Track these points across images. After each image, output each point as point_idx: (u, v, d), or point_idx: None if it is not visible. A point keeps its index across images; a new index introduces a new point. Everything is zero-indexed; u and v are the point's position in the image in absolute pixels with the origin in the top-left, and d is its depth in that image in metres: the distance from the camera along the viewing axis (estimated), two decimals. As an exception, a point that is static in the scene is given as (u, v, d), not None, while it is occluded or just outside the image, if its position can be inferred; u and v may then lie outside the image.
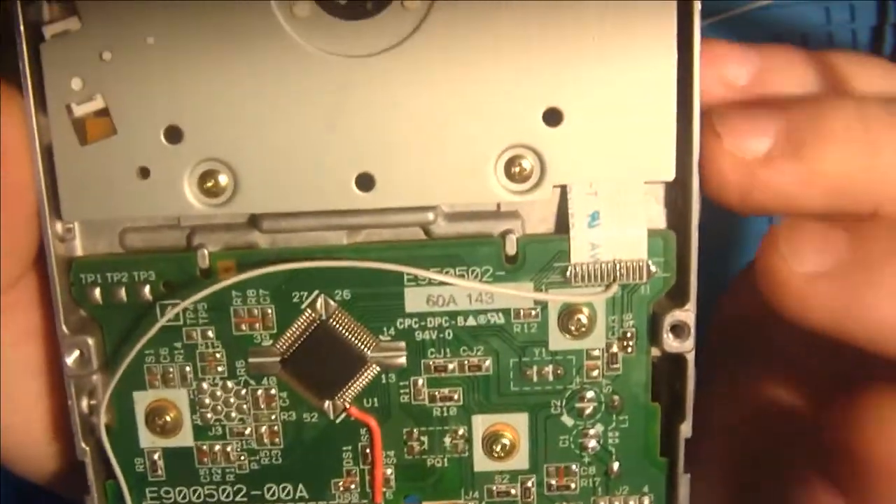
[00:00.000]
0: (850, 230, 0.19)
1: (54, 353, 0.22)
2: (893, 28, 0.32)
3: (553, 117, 0.21)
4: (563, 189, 0.21)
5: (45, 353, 0.22)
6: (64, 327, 0.21)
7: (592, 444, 0.23)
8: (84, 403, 0.22)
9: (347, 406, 0.22)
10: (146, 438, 0.23)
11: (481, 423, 0.23)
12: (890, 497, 0.19)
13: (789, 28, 0.31)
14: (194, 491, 0.23)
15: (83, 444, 0.22)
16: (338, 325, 0.22)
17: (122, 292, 0.22)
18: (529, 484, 0.23)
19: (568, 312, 0.22)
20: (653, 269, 0.21)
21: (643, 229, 0.21)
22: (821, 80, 0.21)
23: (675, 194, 0.21)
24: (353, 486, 0.23)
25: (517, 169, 0.21)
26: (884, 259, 0.19)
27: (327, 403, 0.22)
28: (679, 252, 0.21)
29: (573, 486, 0.23)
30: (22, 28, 0.20)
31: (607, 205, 0.21)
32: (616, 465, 0.23)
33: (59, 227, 0.21)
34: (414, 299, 0.22)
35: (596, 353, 0.22)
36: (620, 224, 0.21)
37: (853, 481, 0.20)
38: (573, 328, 0.22)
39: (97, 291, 0.22)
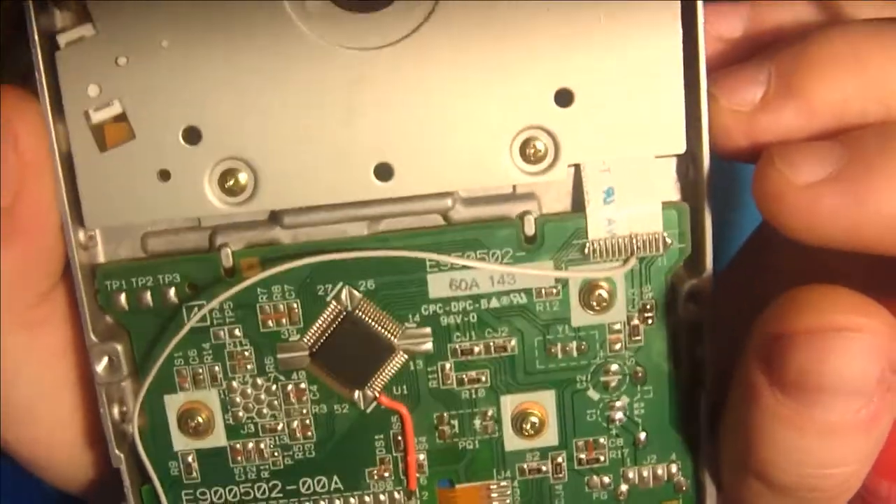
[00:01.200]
0: (839, 139, 0.19)
1: (86, 366, 0.22)
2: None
3: (564, 98, 0.21)
4: (577, 168, 0.22)
5: (78, 367, 0.22)
6: (92, 335, 0.22)
7: (619, 416, 0.23)
8: (116, 411, 0.22)
9: (377, 395, 0.23)
10: (179, 441, 0.23)
11: (510, 403, 0.23)
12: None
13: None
14: (230, 490, 0.23)
15: (117, 451, 0.22)
16: (364, 316, 0.22)
17: (148, 296, 0.22)
18: (560, 459, 0.23)
19: (588, 288, 0.22)
20: (668, 240, 0.22)
21: (657, 203, 0.22)
22: (814, 14, 0.21)
23: (687, 167, 0.22)
24: (386, 475, 0.23)
25: (532, 150, 0.21)
26: (881, 152, 0.19)
27: (357, 394, 0.23)
28: (693, 223, 0.22)
29: (602, 458, 0.23)
30: (37, 38, 0.20)
31: (621, 181, 0.22)
32: (643, 435, 0.23)
33: (81, 235, 0.21)
34: (437, 285, 0.22)
35: (617, 326, 0.23)
36: (635, 199, 0.22)
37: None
38: (594, 303, 0.22)
39: (123, 297, 0.22)
